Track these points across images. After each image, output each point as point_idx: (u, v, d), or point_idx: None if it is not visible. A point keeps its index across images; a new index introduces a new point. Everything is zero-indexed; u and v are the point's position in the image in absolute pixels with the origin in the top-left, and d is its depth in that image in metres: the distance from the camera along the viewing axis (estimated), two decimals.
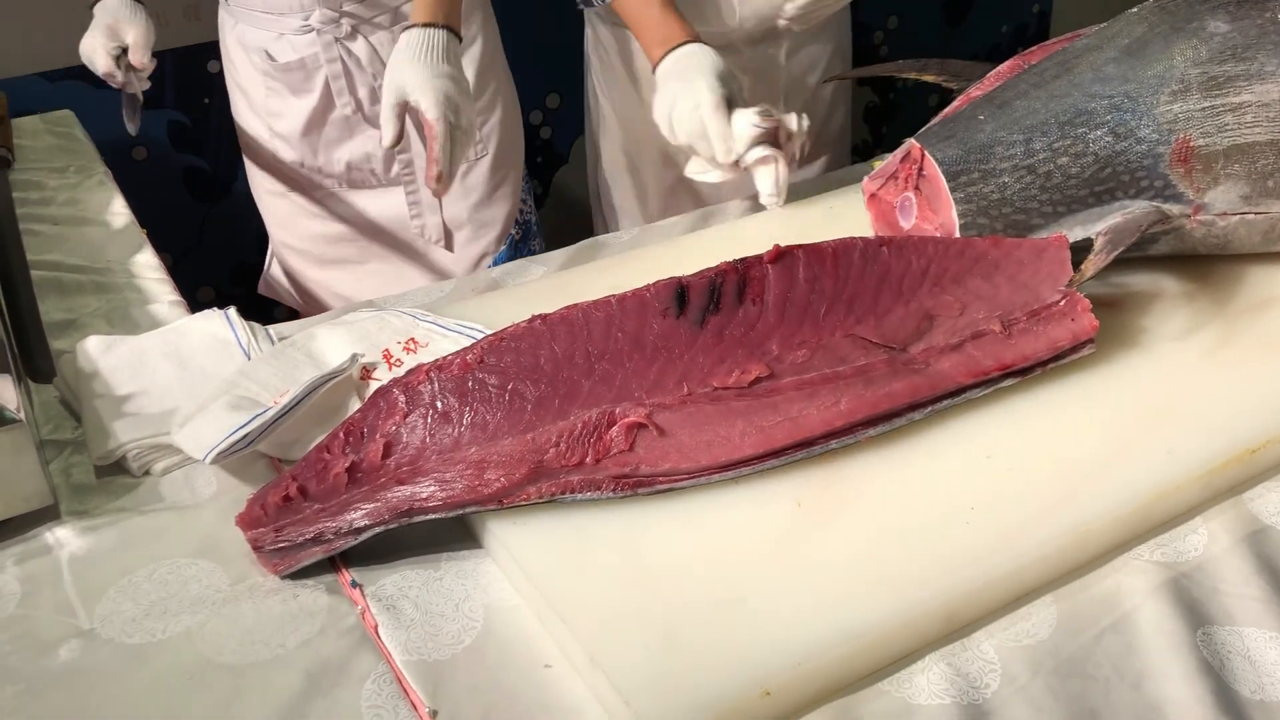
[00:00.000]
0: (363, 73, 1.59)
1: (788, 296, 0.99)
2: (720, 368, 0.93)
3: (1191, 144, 1.14)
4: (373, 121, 1.61)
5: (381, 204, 1.68)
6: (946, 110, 1.26)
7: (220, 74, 2.05)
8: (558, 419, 0.88)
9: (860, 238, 1.06)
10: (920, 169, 1.17)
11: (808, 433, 0.92)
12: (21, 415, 0.93)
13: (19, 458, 0.91)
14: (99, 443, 1.00)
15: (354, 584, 0.86)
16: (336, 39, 1.57)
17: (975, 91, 1.26)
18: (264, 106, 1.67)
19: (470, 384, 0.88)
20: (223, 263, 2.22)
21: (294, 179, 1.70)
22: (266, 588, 0.86)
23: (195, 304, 2.17)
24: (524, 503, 0.86)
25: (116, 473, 0.99)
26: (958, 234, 1.14)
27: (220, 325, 1.15)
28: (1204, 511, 0.94)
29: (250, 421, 0.93)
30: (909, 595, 0.82)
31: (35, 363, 1.10)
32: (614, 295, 0.95)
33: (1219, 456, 0.95)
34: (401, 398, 0.88)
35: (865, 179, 1.25)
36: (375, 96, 1.57)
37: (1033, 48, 1.37)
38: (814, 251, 1.02)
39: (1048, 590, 0.87)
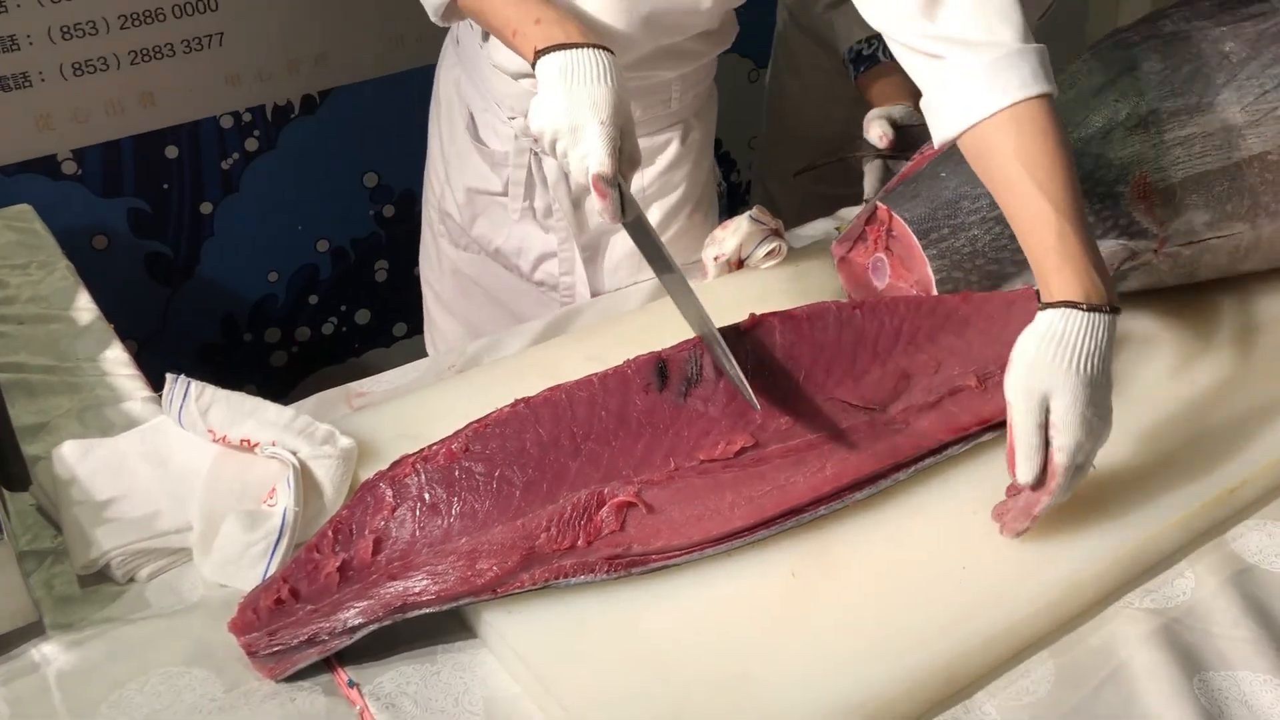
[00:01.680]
0: (544, 190, 1.46)
1: (766, 365, 1.00)
2: (705, 440, 0.94)
3: (1148, 180, 1.17)
4: (540, 224, 1.49)
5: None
6: (905, 169, 1.29)
7: (179, 159, 2.07)
8: (547, 503, 0.88)
9: (833, 302, 1.08)
10: (889, 229, 1.19)
11: (796, 500, 0.93)
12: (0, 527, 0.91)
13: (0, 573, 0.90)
14: (81, 551, 0.98)
15: (351, 684, 0.85)
16: (532, 149, 1.43)
17: (929, 151, 1.29)
18: (450, 146, 1.53)
19: (457, 473, 0.88)
20: (188, 345, 2.20)
21: (448, 221, 1.58)
22: (262, 693, 0.85)
23: (161, 389, 2.18)
24: (518, 591, 0.85)
25: (101, 581, 0.98)
26: (934, 290, 1.16)
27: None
28: (1189, 554, 0.96)
29: (273, 552, 0.94)
30: (908, 659, 0.83)
31: (9, 470, 1.08)
32: (595, 374, 0.95)
33: (1199, 498, 0.97)
34: (389, 492, 0.88)
35: (833, 244, 1.27)
36: (549, 211, 1.46)
37: None
38: (789, 319, 1.04)
39: (1043, 645, 0.88)
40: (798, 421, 0.99)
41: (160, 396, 1.24)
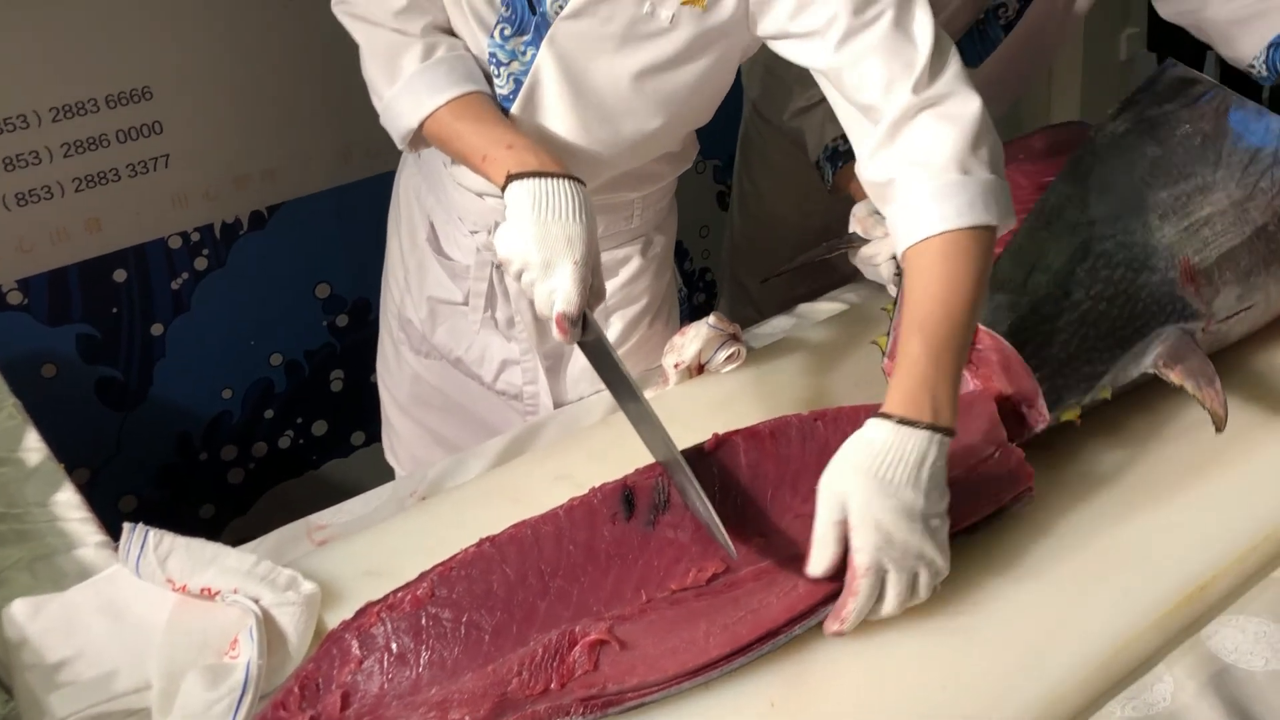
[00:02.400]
0: (506, 302, 1.44)
1: (733, 485, 0.99)
2: (676, 568, 0.92)
3: (1191, 263, 1.20)
4: (502, 333, 1.48)
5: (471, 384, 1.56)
6: None
7: (127, 282, 2.05)
8: (517, 646, 0.86)
9: (795, 415, 1.07)
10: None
11: (771, 623, 0.92)
12: None
13: None
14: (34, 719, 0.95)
15: None
16: (494, 263, 1.41)
17: None
18: (410, 255, 1.51)
19: (424, 620, 0.86)
20: (143, 469, 2.16)
21: (408, 328, 1.56)
22: None
23: (117, 514, 2.13)
24: None
25: None
26: (1041, 401, 1.13)
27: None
28: (1166, 655, 0.95)
29: (237, 709, 0.91)
30: None
31: None
32: (561, 506, 0.94)
33: (1172, 597, 0.97)
34: (355, 643, 0.86)
35: (885, 361, 1.22)
36: (511, 322, 1.44)
37: None
38: (752, 436, 1.03)
39: None
40: (768, 541, 0.98)
41: (114, 539, 1.21)
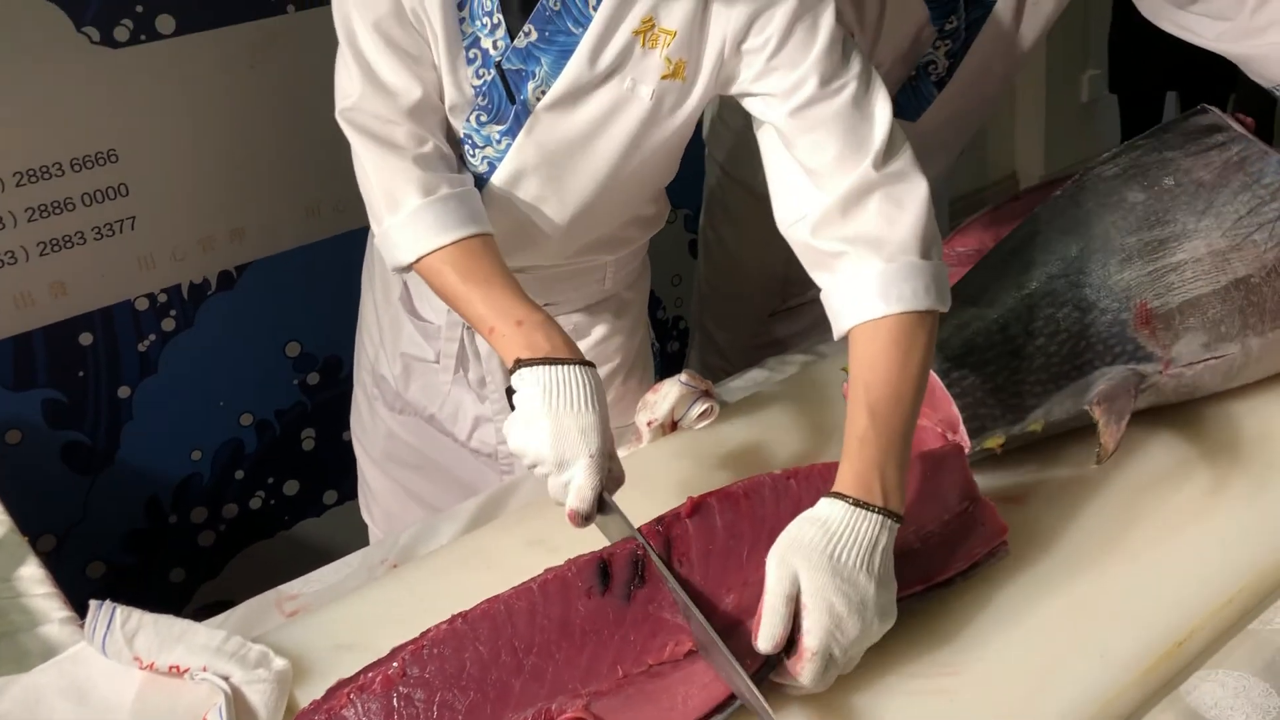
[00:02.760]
0: (478, 363, 1.43)
1: (710, 548, 0.98)
2: (653, 642, 0.91)
3: (1149, 306, 1.22)
4: (475, 392, 1.46)
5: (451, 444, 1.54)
6: None
7: (93, 345, 2.03)
8: None
9: (768, 474, 1.07)
10: None
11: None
12: None
13: None
14: None
15: None
16: (464, 324, 1.38)
17: None
18: (384, 312, 1.49)
19: (395, 701, 0.85)
20: (111, 534, 2.13)
21: (382, 384, 1.54)
22: None
23: (85, 581, 2.10)
24: None
25: None
26: (962, 428, 1.16)
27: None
28: (1148, 713, 0.94)
29: None
30: None
31: None
32: (535, 580, 0.93)
33: (1151, 654, 0.97)
34: None
35: (844, 385, 1.25)
36: (483, 382, 1.43)
37: (951, 234, 1.44)
38: (726, 497, 1.03)
39: None
40: (744, 596, 0.98)
41: (81, 608, 1.19)
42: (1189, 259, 1.24)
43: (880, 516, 0.97)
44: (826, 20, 1.10)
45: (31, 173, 1.89)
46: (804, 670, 0.92)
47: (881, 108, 1.11)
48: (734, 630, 0.95)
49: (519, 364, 1.05)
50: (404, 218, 1.14)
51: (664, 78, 1.14)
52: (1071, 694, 0.93)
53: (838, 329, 1.11)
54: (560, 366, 1.04)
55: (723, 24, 1.12)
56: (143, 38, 1.93)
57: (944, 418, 1.20)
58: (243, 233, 2.12)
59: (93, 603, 1.07)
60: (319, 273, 2.18)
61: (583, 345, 1.43)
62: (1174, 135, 1.36)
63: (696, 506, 1.00)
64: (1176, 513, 1.14)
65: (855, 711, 0.93)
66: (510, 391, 1.05)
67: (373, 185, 1.18)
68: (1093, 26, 3.81)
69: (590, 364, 1.06)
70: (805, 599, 0.93)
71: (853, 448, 1.02)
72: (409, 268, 1.17)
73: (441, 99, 1.20)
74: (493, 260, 1.14)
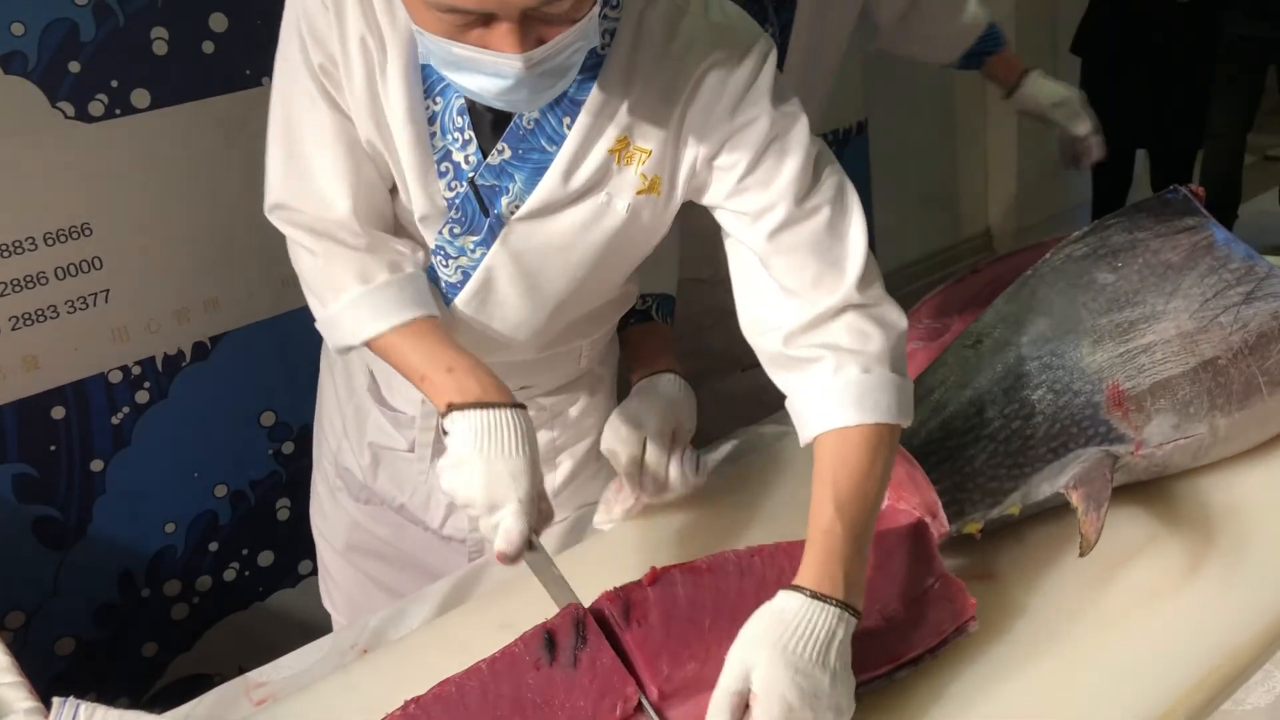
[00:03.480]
0: None
1: (671, 614, 1.00)
2: (603, 704, 0.93)
3: (1120, 388, 1.23)
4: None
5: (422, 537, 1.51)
6: None
7: (65, 419, 2.01)
8: None
9: (732, 551, 1.08)
10: None
11: None
12: None
13: None
14: None
15: None
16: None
17: None
18: (348, 403, 1.48)
19: None
20: (82, 609, 2.10)
21: (346, 475, 1.52)
22: None
23: (54, 658, 2.07)
24: None
25: None
26: (942, 513, 1.16)
27: None
28: None
29: None
30: None
31: None
32: (484, 660, 0.94)
33: None
34: None
35: None
36: None
37: (917, 306, 1.45)
38: (689, 570, 1.05)
39: None
40: (705, 667, 0.98)
41: (48, 689, 1.17)
42: (1159, 340, 1.25)
43: (838, 609, 0.97)
44: (798, 139, 1.12)
45: (4, 247, 1.89)
46: None
47: (857, 229, 1.13)
48: (693, 698, 0.96)
49: (450, 408, 1.06)
50: (346, 303, 1.15)
51: (639, 193, 1.15)
52: None
53: (806, 434, 1.11)
54: (491, 410, 1.05)
55: (697, 143, 1.13)
56: (117, 112, 1.95)
57: (924, 502, 1.20)
58: (217, 303, 2.13)
59: (56, 700, 1.06)
60: (293, 342, 2.18)
61: (560, 424, 1.43)
62: (1144, 216, 1.38)
63: (658, 576, 1.01)
64: (1148, 590, 1.14)
65: None
66: (444, 433, 1.07)
67: (311, 274, 1.18)
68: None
69: (522, 406, 1.08)
70: (757, 689, 0.93)
71: (816, 539, 1.03)
72: (350, 349, 1.19)
73: (377, 215, 1.19)
74: (438, 331, 1.15)
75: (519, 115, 1.12)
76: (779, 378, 1.16)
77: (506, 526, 1.02)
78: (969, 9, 1.94)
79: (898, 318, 1.13)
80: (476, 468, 1.03)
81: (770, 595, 1.05)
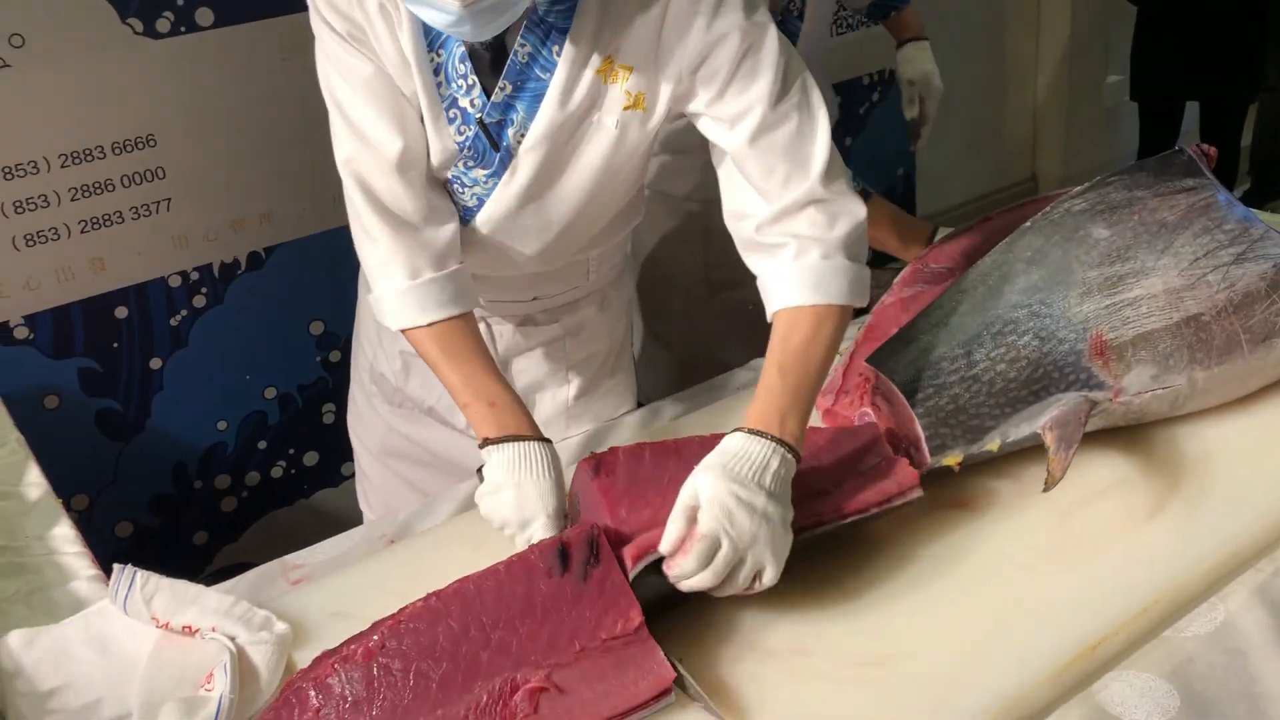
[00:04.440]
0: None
1: (636, 470, 1.13)
2: (606, 619, 1.02)
3: (1104, 338, 1.29)
4: None
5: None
6: (868, 322, 1.41)
7: (128, 318, 2.15)
8: (463, 693, 0.95)
9: (695, 436, 1.18)
10: (875, 387, 1.30)
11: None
12: None
13: None
14: None
15: None
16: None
17: (889, 299, 1.42)
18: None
19: (375, 670, 0.95)
20: (139, 497, 2.26)
21: (380, 381, 1.65)
22: None
23: (114, 540, 2.23)
24: None
25: None
26: (924, 445, 1.25)
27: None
28: (1059, 707, 1.03)
29: None
30: None
31: None
32: (501, 562, 1.03)
33: (1065, 654, 1.05)
34: (312, 693, 0.94)
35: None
36: None
37: (926, 250, 1.53)
38: (658, 445, 1.18)
39: None
40: (657, 516, 1.09)
41: (108, 568, 1.30)
42: (1145, 295, 1.31)
43: (773, 443, 1.11)
44: (770, 48, 1.21)
45: (75, 155, 2.01)
46: (692, 549, 1.04)
47: (822, 129, 1.24)
48: (645, 532, 1.08)
49: (487, 442, 1.23)
50: (393, 292, 1.29)
51: (625, 109, 1.26)
52: (989, 688, 1.02)
53: (771, 307, 1.25)
54: (523, 443, 1.22)
55: (678, 57, 1.23)
56: (182, 29, 2.05)
57: (907, 434, 1.28)
58: (271, 216, 2.24)
59: (116, 566, 1.18)
60: (342, 257, 2.24)
61: (569, 339, 1.54)
62: (1146, 175, 1.43)
63: (627, 447, 1.13)
64: (1111, 527, 1.22)
65: (785, 696, 1.03)
66: (480, 467, 1.24)
67: (367, 258, 1.33)
68: (1114, 33, 3.84)
69: (548, 440, 1.24)
70: (702, 500, 1.07)
71: (759, 394, 1.17)
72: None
73: (425, 153, 1.31)
74: (470, 338, 1.30)
75: (513, 52, 1.23)
76: (751, 260, 1.28)
77: (536, 540, 1.16)
78: None
79: (857, 208, 1.25)
80: (509, 492, 1.19)
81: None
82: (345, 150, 1.30)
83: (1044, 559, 1.18)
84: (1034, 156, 4.03)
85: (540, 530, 1.17)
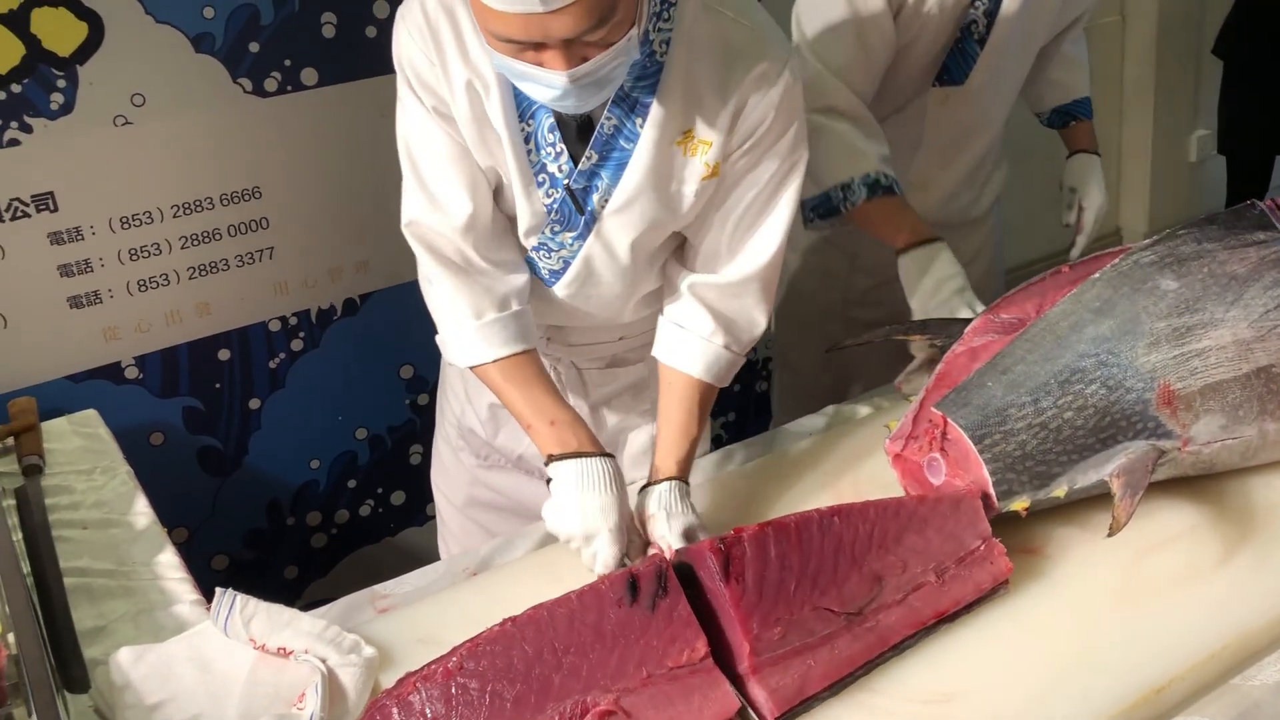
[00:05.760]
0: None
1: (764, 575, 1.11)
2: (673, 647, 1.06)
3: (1171, 388, 1.31)
4: None
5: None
6: (938, 370, 1.44)
7: (230, 360, 2.26)
8: (536, 714, 1.00)
9: (815, 510, 1.19)
10: (944, 433, 1.33)
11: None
12: None
13: None
14: None
15: None
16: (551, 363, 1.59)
17: (959, 348, 1.45)
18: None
19: (453, 689, 1.01)
20: (235, 531, 2.35)
21: (469, 437, 1.73)
22: None
23: (211, 572, 2.32)
24: None
25: None
26: (991, 490, 1.28)
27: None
28: None
29: None
30: None
31: (71, 673, 1.23)
32: (574, 591, 1.08)
33: (1129, 697, 1.07)
34: (395, 710, 1.00)
35: (887, 441, 1.40)
36: None
37: (997, 302, 1.56)
38: (780, 527, 1.15)
39: None
40: (789, 631, 1.11)
41: (207, 596, 1.38)
42: (1214, 346, 1.32)
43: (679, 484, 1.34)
44: (794, 184, 1.40)
45: (186, 205, 2.13)
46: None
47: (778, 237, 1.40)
48: (773, 659, 1.09)
49: (551, 459, 1.32)
50: (460, 332, 1.40)
51: (704, 179, 1.34)
52: None
53: (661, 354, 1.44)
54: (586, 459, 1.31)
55: (740, 138, 1.33)
56: (289, 89, 2.17)
57: (975, 479, 1.30)
58: (367, 265, 2.34)
59: (218, 590, 1.25)
60: None
61: (651, 381, 1.60)
62: (1217, 227, 1.44)
63: (756, 532, 1.13)
64: (1179, 574, 1.23)
65: None
66: (548, 481, 1.33)
67: (433, 300, 1.44)
68: (1203, 86, 3.82)
69: (611, 455, 1.33)
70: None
71: (671, 445, 1.39)
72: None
73: (491, 219, 1.41)
74: (532, 367, 1.39)
75: (600, 124, 1.31)
76: (669, 304, 1.45)
77: (603, 554, 1.27)
78: (1082, 76, 2.17)
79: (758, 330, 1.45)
80: (574, 507, 1.28)
81: (849, 557, 1.18)
82: (412, 212, 1.39)
83: (1111, 604, 1.19)
84: (1118, 210, 4.00)
85: (604, 543, 1.25)
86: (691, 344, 1.43)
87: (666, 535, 1.29)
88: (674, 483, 1.35)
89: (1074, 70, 2.15)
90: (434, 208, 1.37)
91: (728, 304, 1.44)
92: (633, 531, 1.31)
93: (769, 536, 1.15)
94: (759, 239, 1.41)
